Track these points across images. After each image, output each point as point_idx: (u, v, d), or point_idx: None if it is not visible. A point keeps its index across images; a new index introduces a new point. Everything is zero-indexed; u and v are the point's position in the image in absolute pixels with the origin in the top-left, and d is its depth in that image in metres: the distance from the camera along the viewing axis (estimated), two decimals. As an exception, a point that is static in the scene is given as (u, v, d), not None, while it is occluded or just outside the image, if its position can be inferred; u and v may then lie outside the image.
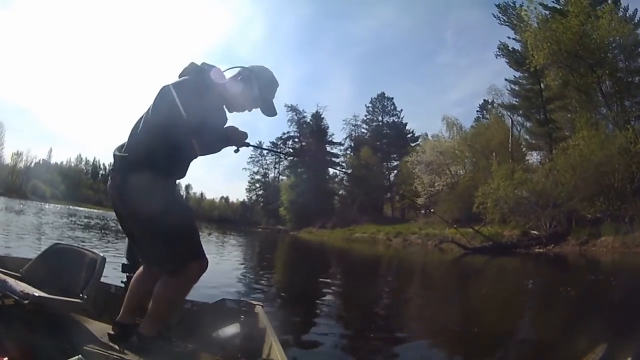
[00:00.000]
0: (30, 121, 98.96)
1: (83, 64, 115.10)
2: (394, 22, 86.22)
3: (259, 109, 2.02)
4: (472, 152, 30.06)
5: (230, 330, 2.19)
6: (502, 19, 27.28)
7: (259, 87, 1.94)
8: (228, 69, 1.97)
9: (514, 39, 27.78)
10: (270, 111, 2.03)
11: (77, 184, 72.25)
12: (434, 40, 78.61)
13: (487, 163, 27.30)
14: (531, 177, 21.92)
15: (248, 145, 2.01)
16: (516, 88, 30.40)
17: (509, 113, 30.89)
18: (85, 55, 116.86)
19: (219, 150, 2.00)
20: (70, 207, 46.97)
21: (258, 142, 58.44)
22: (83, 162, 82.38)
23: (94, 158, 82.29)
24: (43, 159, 74.33)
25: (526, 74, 27.60)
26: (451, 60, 76.04)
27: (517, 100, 30.34)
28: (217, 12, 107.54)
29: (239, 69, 1.98)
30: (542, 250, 17.47)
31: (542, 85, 26.34)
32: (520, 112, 30.21)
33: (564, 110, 24.83)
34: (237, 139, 1.96)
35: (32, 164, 69.48)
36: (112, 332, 1.82)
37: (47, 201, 55.14)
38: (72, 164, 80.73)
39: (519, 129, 30.59)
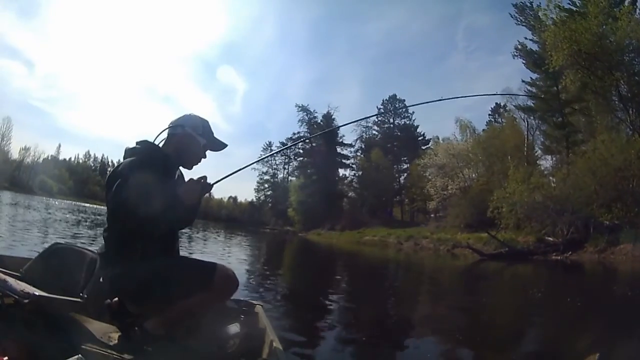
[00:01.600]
0: (39, 117, 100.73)
1: (93, 60, 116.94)
2: (405, 25, 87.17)
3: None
4: (485, 156, 29.82)
5: (230, 330, 2.20)
6: (519, 19, 27.19)
7: (201, 135, 2.06)
8: (160, 133, 2.04)
9: (531, 39, 27.76)
10: (219, 146, 2.15)
11: (85, 180, 73.46)
12: (445, 44, 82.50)
13: (502, 167, 27.06)
14: (548, 181, 21.64)
15: (211, 186, 2.00)
16: (533, 90, 30.13)
17: (524, 115, 30.68)
18: (96, 51, 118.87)
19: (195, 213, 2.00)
20: (78, 203, 47.64)
21: (268, 143, 59.46)
22: (91, 159, 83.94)
23: (102, 154, 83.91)
24: (52, 155, 75.89)
25: (543, 76, 27.36)
26: (461, 64, 77.06)
27: (534, 102, 30.06)
28: (228, 13, 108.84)
29: (167, 130, 2.06)
30: (559, 257, 17.11)
31: (559, 87, 26.06)
32: (537, 114, 29.92)
33: (581, 114, 24.56)
34: (199, 192, 1.92)
35: (41, 160, 71.01)
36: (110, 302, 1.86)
37: (54, 197, 55.99)
38: (81, 160, 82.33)
39: (532, 132, 30.35)
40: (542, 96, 27.70)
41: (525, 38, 28.38)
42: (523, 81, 30.95)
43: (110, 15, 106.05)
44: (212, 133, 2.13)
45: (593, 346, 2.89)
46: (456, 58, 78.03)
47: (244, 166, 2.23)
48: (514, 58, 30.15)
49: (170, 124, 2.07)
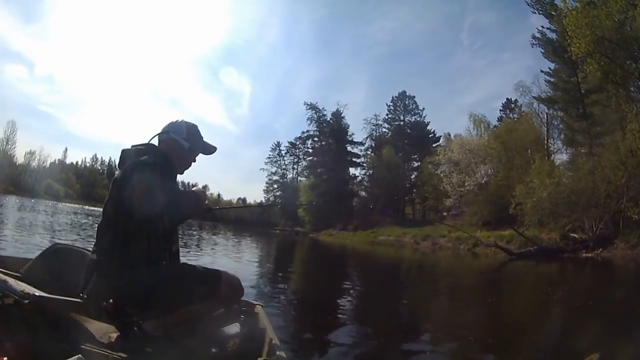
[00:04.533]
0: (47, 122, 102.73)
1: (100, 64, 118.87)
2: (410, 23, 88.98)
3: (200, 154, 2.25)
4: (504, 150, 29.39)
5: (230, 330, 2.25)
6: (534, 8, 26.79)
7: (184, 139, 2.15)
8: (151, 139, 2.15)
9: (548, 28, 27.40)
10: (208, 150, 2.25)
11: (92, 183, 74.52)
12: (450, 42, 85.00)
13: (522, 161, 26.65)
14: (572, 175, 21.14)
15: (211, 210, 2.18)
16: (553, 80, 29.60)
17: (539, 109, 30.22)
18: (103, 56, 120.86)
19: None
20: (86, 207, 48.31)
21: (276, 143, 59.84)
22: (98, 162, 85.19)
23: (110, 158, 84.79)
24: (58, 159, 77.22)
25: (560, 66, 26.92)
26: (467, 62, 78.89)
27: (553, 92, 29.50)
28: (232, 15, 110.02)
29: (157, 137, 2.17)
30: (590, 254, 16.61)
31: (578, 77, 25.65)
32: (558, 105, 29.33)
33: (602, 104, 24.02)
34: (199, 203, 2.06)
35: (47, 164, 72.28)
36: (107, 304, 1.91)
37: (61, 200, 56.86)
38: (88, 164, 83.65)
39: (547, 124, 29.83)
40: None
41: (543, 27, 28.10)
42: (542, 71, 30.59)
43: (117, 18, 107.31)
44: (201, 137, 2.23)
45: (602, 346, 2.86)
46: (462, 56, 79.28)
47: (249, 205, 2.48)
48: (532, 47, 29.71)
49: (161, 132, 2.17)
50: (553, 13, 25.14)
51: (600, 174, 18.90)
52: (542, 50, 29.17)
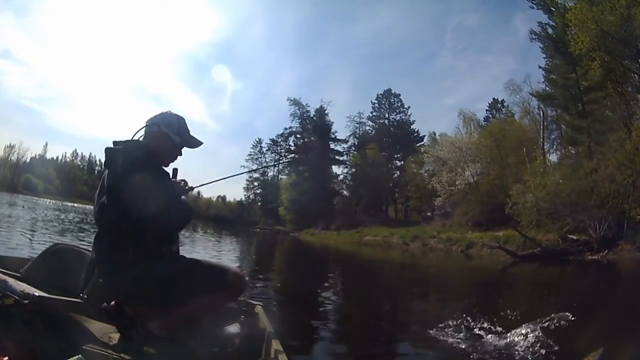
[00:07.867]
0: (29, 116, 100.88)
1: (84, 59, 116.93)
2: (395, 24, 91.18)
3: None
4: (497, 148, 28.68)
5: (230, 330, 2.28)
6: (533, 2, 26.73)
7: (175, 133, 2.14)
8: (137, 131, 2.12)
9: (546, 23, 27.27)
10: (194, 144, 2.24)
11: (72, 179, 73.31)
12: (433, 44, 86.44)
13: (516, 160, 26.51)
14: (574, 174, 20.45)
15: (191, 189, 2.30)
16: (551, 76, 29.21)
17: (541, 104, 30.03)
18: (87, 51, 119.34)
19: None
20: (65, 202, 47.27)
21: (257, 140, 59.28)
22: (79, 158, 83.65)
23: (90, 153, 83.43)
24: (39, 154, 75.96)
25: (561, 61, 26.76)
26: (450, 64, 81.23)
27: (550, 89, 29.38)
28: (217, 12, 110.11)
29: (144, 129, 2.14)
30: (596, 257, 16.17)
31: (578, 74, 25.28)
32: (556, 102, 28.74)
33: (602, 102, 23.84)
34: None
35: (28, 159, 71.21)
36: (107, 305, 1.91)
37: (40, 196, 55.68)
38: (68, 159, 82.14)
39: (542, 122, 29.31)
40: None
41: (541, 22, 27.74)
42: (540, 67, 30.39)
43: (101, 15, 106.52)
44: (188, 131, 2.21)
45: (606, 344, 2.93)
46: (445, 58, 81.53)
47: (229, 176, 2.49)
48: (531, 41, 29.47)
49: (147, 122, 2.15)
50: (552, 9, 25.18)
51: (603, 173, 18.52)
52: (541, 46, 29.00)
